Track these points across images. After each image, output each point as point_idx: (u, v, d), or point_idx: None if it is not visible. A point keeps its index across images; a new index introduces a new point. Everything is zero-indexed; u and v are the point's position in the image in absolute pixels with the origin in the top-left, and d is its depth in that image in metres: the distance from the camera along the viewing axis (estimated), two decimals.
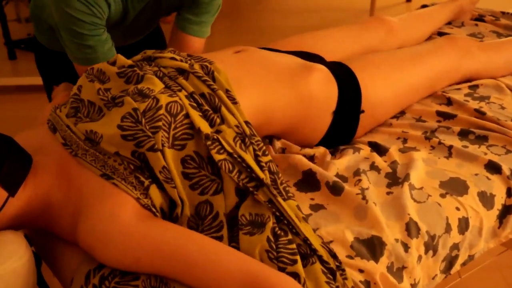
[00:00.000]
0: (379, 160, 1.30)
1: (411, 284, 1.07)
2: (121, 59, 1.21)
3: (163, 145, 1.02)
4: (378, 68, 1.44)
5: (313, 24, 3.83)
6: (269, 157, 1.10)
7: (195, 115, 1.07)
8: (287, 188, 1.08)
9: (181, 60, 1.20)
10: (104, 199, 0.98)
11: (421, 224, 1.12)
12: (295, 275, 0.94)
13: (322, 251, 0.99)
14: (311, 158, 1.31)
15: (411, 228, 1.10)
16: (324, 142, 1.38)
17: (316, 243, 1.00)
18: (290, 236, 1.00)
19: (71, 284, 1.01)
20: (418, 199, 1.18)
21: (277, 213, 1.01)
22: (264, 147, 1.11)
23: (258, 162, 1.07)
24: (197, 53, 1.40)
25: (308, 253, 0.98)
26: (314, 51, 1.52)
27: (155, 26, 1.66)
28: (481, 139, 1.36)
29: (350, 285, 0.99)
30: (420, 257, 1.10)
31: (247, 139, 1.09)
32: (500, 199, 1.23)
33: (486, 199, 1.21)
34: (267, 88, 1.26)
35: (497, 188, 1.24)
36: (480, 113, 1.44)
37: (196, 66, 1.18)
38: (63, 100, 1.32)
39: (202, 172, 1.04)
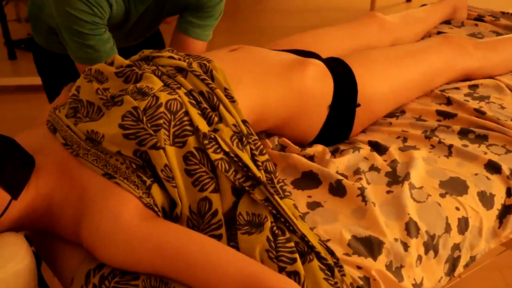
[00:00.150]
0: (379, 160, 1.30)
1: (412, 284, 1.07)
2: (119, 59, 1.21)
3: (165, 143, 1.02)
4: (374, 63, 1.45)
5: (313, 24, 3.83)
6: (266, 157, 1.10)
7: (194, 113, 1.07)
8: (284, 187, 1.08)
9: (179, 59, 1.21)
10: (106, 199, 0.98)
11: (421, 224, 1.12)
12: (295, 274, 0.94)
13: (319, 248, 1.00)
14: (311, 158, 1.32)
15: (410, 228, 1.10)
16: (321, 137, 1.38)
17: (313, 240, 1.00)
18: (288, 235, 1.00)
19: (71, 284, 1.01)
20: (418, 198, 1.18)
21: (274, 211, 1.01)
22: (261, 146, 1.12)
23: (254, 162, 1.07)
24: None
25: (305, 251, 0.99)
26: (310, 50, 1.52)
27: (157, 28, 1.66)
28: (481, 139, 1.36)
29: (349, 281, 0.99)
30: (420, 257, 1.10)
31: (244, 138, 1.09)
32: (500, 199, 1.23)
33: (486, 199, 1.21)
34: (263, 83, 1.27)
35: (497, 188, 1.24)
36: (480, 113, 1.44)
37: (195, 65, 1.19)
38: (62, 101, 1.33)
39: (202, 168, 1.04)
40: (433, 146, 1.35)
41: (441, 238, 1.13)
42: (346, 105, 1.38)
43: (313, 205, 1.17)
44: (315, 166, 1.25)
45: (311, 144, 1.39)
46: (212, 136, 1.06)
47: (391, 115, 1.50)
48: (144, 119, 1.03)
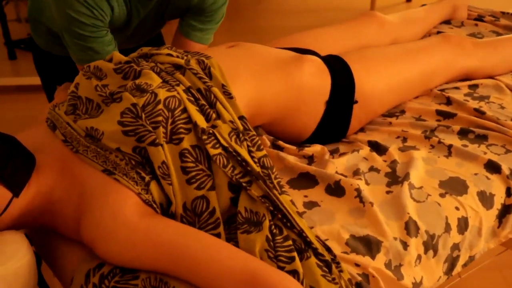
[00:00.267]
0: (378, 160, 1.30)
1: (412, 283, 1.07)
2: (118, 56, 1.21)
3: (163, 140, 1.03)
4: (372, 60, 1.46)
5: (313, 24, 3.82)
6: (263, 152, 1.10)
7: (192, 109, 1.08)
8: (281, 183, 1.08)
9: (178, 56, 1.21)
10: (106, 195, 0.98)
11: (421, 224, 1.12)
12: (294, 272, 0.94)
13: (317, 244, 1.00)
14: (310, 158, 1.32)
15: (410, 227, 1.10)
16: (318, 133, 1.38)
17: (311, 236, 1.01)
18: (285, 232, 1.00)
19: (71, 284, 1.01)
20: (417, 198, 1.18)
21: (271, 208, 1.01)
22: (259, 142, 1.12)
23: (251, 158, 1.08)
24: None
25: (303, 248, 0.99)
26: (308, 48, 1.52)
27: (159, 31, 1.66)
28: (481, 138, 1.37)
29: (346, 277, 0.99)
30: (419, 257, 1.10)
31: (241, 135, 1.09)
32: (499, 198, 1.23)
33: (486, 199, 1.21)
34: (260, 78, 1.28)
35: (497, 187, 1.24)
36: (479, 113, 1.44)
37: (193, 62, 1.19)
38: (61, 99, 1.33)
39: (199, 166, 1.04)
40: (432, 146, 1.35)
41: (441, 238, 1.13)
42: (343, 101, 1.38)
43: (310, 205, 1.17)
44: (312, 168, 1.25)
45: (308, 140, 1.39)
46: (211, 131, 1.06)
47: (390, 114, 1.50)
48: (143, 116, 1.03)
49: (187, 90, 1.12)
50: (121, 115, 1.03)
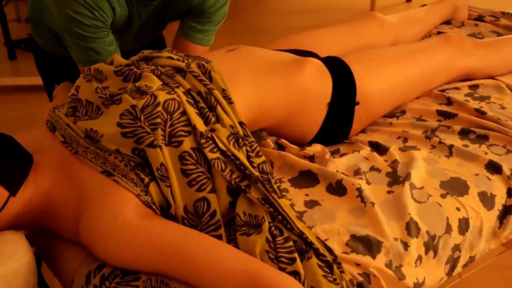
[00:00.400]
0: (379, 160, 1.30)
1: (414, 283, 1.07)
2: (118, 59, 1.21)
3: (161, 143, 1.02)
4: (373, 61, 1.45)
5: (313, 24, 3.82)
6: (262, 159, 1.10)
7: (192, 112, 1.08)
8: (281, 187, 1.08)
9: (178, 59, 1.21)
10: (105, 196, 0.98)
11: (421, 224, 1.12)
12: (295, 273, 0.94)
13: (318, 245, 1.00)
14: (311, 158, 1.32)
15: (411, 228, 1.10)
16: (321, 135, 1.38)
17: (311, 237, 1.01)
18: (286, 234, 1.00)
19: (71, 285, 1.01)
20: (418, 199, 1.18)
21: (271, 209, 1.01)
22: (257, 148, 1.12)
23: (250, 163, 1.07)
24: None
25: (304, 249, 0.99)
26: (309, 49, 1.52)
27: (161, 32, 1.66)
28: (482, 139, 1.36)
29: (348, 278, 0.99)
30: (420, 257, 1.10)
31: (240, 140, 1.09)
32: (500, 199, 1.23)
33: (487, 199, 1.21)
34: (260, 82, 1.27)
35: (498, 188, 1.23)
36: (480, 113, 1.44)
37: (193, 65, 1.19)
38: (60, 98, 1.33)
39: (199, 168, 1.04)
40: (433, 146, 1.35)
41: (442, 238, 1.13)
42: (345, 103, 1.38)
43: (311, 204, 1.17)
44: (314, 166, 1.25)
45: (310, 143, 1.39)
46: (209, 135, 1.06)
47: (391, 115, 1.50)
48: (142, 117, 1.03)
49: (187, 93, 1.11)
50: (120, 117, 1.03)
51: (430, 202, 1.17)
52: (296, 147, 1.34)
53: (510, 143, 1.34)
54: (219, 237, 1.01)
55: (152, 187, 1.01)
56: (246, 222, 1.01)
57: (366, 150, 1.33)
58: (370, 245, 1.07)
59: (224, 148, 1.05)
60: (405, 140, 1.38)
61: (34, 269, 0.99)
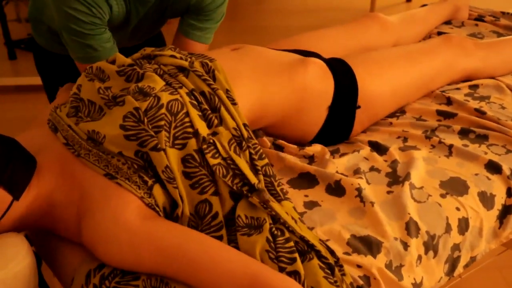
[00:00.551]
0: (379, 160, 1.30)
1: (412, 284, 1.07)
2: (121, 57, 1.21)
3: (165, 145, 1.02)
4: (375, 63, 1.45)
5: (313, 24, 3.83)
6: (265, 161, 1.10)
7: (195, 115, 1.07)
8: (284, 190, 1.08)
9: (181, 58, 1.20)
10: (108, 199, 0.98)
11: (421, 224, 1.12)
12: (295, 273, 0.94)
13: (320, 247, 1.00)
14: (310, 157, 1.32)
15: (410, 228, 1.10)
16: (321, 137, 1.38)
17: (313, 240, 1.00)
18: (287, 235, 1.00)
19: (71, 284, 1.01)
20: (418, 198, 1.18)
21: (273, 212, 1.01)
22: (261, 150, 1.11)
23: (254, 166, 1.07)
24: None
25: (305, 250, 0.99)
26: (311, 50, 1.52)
27: (159, 30, 1.66)
28: (482, 138, 1.36)
29: (349, 281, 0.99)
30: (420, 257, 1.10)
31: (244, 143, 1.09)
32: (500, 199, 1.23)
33: (486, 199, 1.21)
34: (263, 81, 1.27)
35: (497, 188, 1.23)
36: (480, 113, 1.44)
37: (197, 64, 1.18)
38: (63, 100, 1.32)
39: (202, 171, 1.04)
40: (433, 146, 1.35)
41: (441, 238, 1.13)
42: (347, 105, 1.38)
43: (310, 205, 1.17)
44: (312, 168, 1.25)
45: (310, 143, 1.39)
46: (211, 140, 1.06)
47: (391, 115, 1.50)
48: (145, 120, 1.03)
49: (190, 93, 1.11)
50: (124, 119, 1.03)
51: (430, 202, 1.17)
52: (295, 146, 1.34)
53: (510, 143, 1.34)
54: (220, 238, 1.01)
55: (156, 189, 1.01)
56: (247, 224, 1.01)
57: (366, 150, 1.33)
58: (370, 245, 1.07)
59: (225, 155, 1.05)
60: (405, 140, 1.38)
61: (34, 272, 0.99)
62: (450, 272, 1.16)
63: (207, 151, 1.04)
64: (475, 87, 1.59)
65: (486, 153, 1.31)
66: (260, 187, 1.03)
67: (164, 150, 1.02)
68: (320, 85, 1.35)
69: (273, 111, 1.30)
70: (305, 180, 1.24)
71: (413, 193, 1.19)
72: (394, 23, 1.76)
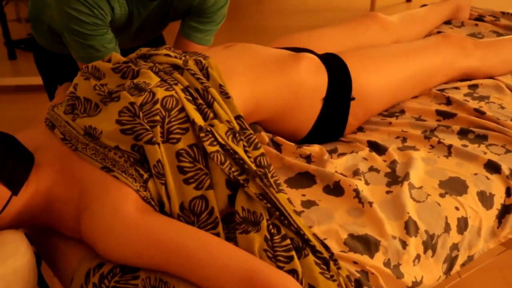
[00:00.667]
0: (378, 160, 1.30)
1: (412, 282, 1.07)
2: (116, 56, 1.22)
3: (159, 139, 1.03)
4: (369, 58, 1.46)
5: (313, 24, 3.82)
6: (260, 151, 1.10)
7: (190, 108, 1.08)
8: (278, 182, 1.08)
9: (176, 57, 1.21)
10: (106, 192, 0.98)
11: (420, 223, 1.12)
12: (293, 272, 0.94)
13: (314, 242, 1.00)
14: (308, 157, 1.32)
15: (410, 227, 1.10)
16: (316, 131, 1.38)
17: (308, 234, 1.01)
18: (283, 232, 1.00)
19: (71, 283, 1.01)
20: (417, 198, 1.18)
21: (269, 205, 1.01)
22: (256, 140, 1.12)
23: (248, 158, 1.08)
24: None
25: (300, 246, 0.99)
26: (306, 47, 1.53)
27: (160, 32, 1.67)
28: (481, 138, 1.36)
29: (345, 274, 0.99)
30: (418, 256, 1.10)
31: (237, 135, 1.10)
32: (499, 198, 1.23)
33: (486, 199, 1.21)
34: (256, 76, 1.28)
35: (497, 187, 1.24)
36: (479, 113, 1.44)
37: (190, 62, 1.20)
38: (60, 100, 1.33)
39: (197, 165, 1.04)
40: (432, 146, 1.35)
41: (440, 237, 1.13)
42: (340, 98, 1.38)
43: (308, 204, 1.17)
44: (311, 167, 1.25)
45: (306, 138, 1.39)
46: (208, 129, 1.06)
47: (390, 115, 1.50)
48: (141, 114, 1.04)
49: (185, 90, 1.12)
50: (119, 114, 1.04)
51: (429, 202, 1.17)
52: (292, 144, 1.34)
53: (509, 143, 1.34)
54: (217, 235, 1.01)
55: (151, 183, 1.02)
56: (244, 218, 1.01)
57: (365, 151, 1.33)
58: (368, 244, 1.07)
59: (223, 142, 1.06)
60: (404, 140, 1.38)
61: (34, 269, 0.99)
62: (448, 270, 1.16)
63: (205, 139, 1.04)
64: (474, 87, 1.59)
65: (485, 153, 1.31)
66: (259, 174, 1.04)
67: (159, 144, 1.02)
68: (313, 79, 1.35)
69: (267, 106, 1.30)
70: (303, 179, 1.24)
71: (412, 193, 1.19)
72: (394, 23, 1.76)
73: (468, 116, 1.43)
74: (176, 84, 1.12)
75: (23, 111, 2.83)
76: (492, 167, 1.27)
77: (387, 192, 1.20)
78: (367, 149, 1.34)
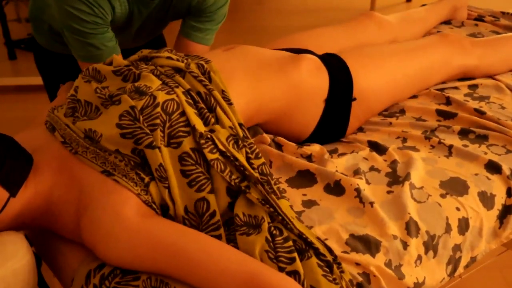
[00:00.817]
0: (379, 160, 1.30)
1: (414, 283, 1.07)
2: (117, 59, 1.22)
3: (160, 143, 1.03)
4: (369, 57, 1.46)
5: (313, 24, 3.82)
6: (261, 160, 1.10)
7: (191, 112, 1.08)
8: (281, 189, 1.08)
9: (178, 60, 1.21)
10: (106, 196, 0.98)
11: (421, 224, 1.12)
12: (295, 273, 0.94)
13: (318, 244, 1.00)
14: (308, 157, 1.32)
15: (410, 227, 1.10)
16: (318, 132, 1.38)
17: (311, 237, 1.01)
18: (285, 234, 1.00)
19: (71, 284, 1.01)
20: (418, 198, 1.18)
21: (271, 209, 1.01)
22: (257, 150, 1.12)
23: (250, 165, 1.08)
24: None
25: (303, 248, 0.99)
26: (305, 48, 1.53)
27: (161, 31, 1.67)
28: (481, 139, 1.36)
29: (348, 278, 0.99)
30: (420, 257, 1.10)
31: (240, 141, 1.09)
32: (500, 199, 1.23)
33: (486, 199, 1.21)
34: (257, 79, 1.28)
35: (497, 188, 1.23)
36: (480, 113, 1.44)
37: (193, 66, 1.19)
38: (61, 102, 1.33)
39: (199, 169, 1.04)
40: (433, 147, 1.35)
41: (441, 238, 1.13)
42: (342, 99, 1.38)
43: (309, 203, 1.17)
44: (312, 166, 1.25)
45: (308, 140, 1.39)
46: (209, 136, 1.06)
47: (391, 115, 1.50)
48: (141, 118, 1.03)
49: (187, 93, 1.12)
50: (120, 118, 1.03)
51: (429, 202, 1.17)
52: (293, 144, 1.34)
53: (510, 143, 1.34)
54: (218, 237, 1.01)
55: (152, 187, 1.01)
56: (245, 222, 1.01)
57: (365, 151, 1.33)
58: (369, 244, 1.07)
59: (223, 149, 1.05)
60: (405, 140, 1.38)
61: (34, 270, 0.99)
62: (452, 272, 1.16)
63: (205, 146, 1.04)
64: (474, 87, 1.59)
65: (486, 153, 1.31)
66: (260, 180, 1.03)
67: (159, 148, 1.02)
68: (314, 80, 1.35)
69: (269, 108, 1.30)
70: (304, 179, 1.24)
71: (413, 193, 1.19)
72: (392, 22, 1.76)
73: (469, 116, 1.43)
74: (177, 87, 1.11)
75: (23, 111, 2.83)
76: (493, 167, 1.26)
77: (388, 192, 1.20)
78: (368, 149, 1.34)
